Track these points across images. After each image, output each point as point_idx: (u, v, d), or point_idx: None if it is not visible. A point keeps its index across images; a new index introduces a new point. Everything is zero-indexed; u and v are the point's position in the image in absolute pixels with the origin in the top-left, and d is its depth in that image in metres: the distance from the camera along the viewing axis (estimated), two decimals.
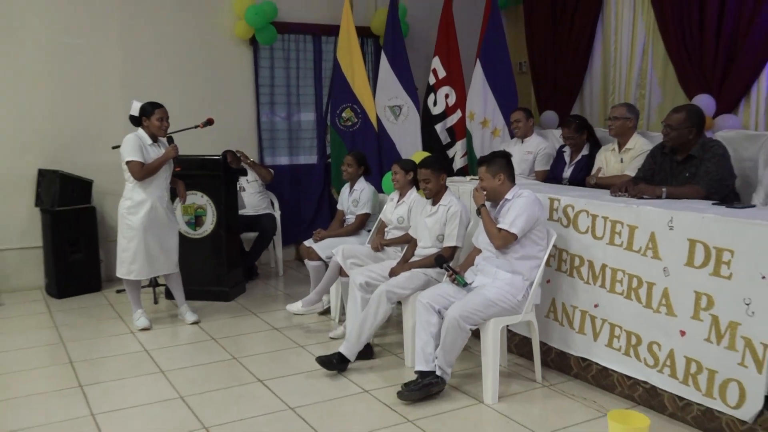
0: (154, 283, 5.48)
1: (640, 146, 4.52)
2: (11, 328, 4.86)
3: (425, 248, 4.17)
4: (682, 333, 3.21)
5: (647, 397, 3.40)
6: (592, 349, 3.69)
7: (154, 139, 4.65)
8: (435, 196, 4.14)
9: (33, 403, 3.57)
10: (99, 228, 5.90)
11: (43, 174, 5.72)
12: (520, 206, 3.52)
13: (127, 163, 4.53)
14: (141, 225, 4.56)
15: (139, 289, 4.96)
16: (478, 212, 3.69)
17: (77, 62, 5.89)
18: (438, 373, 3.50)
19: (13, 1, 5.60)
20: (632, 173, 4.33)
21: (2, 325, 4.92)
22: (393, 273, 4.13)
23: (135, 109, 4.67)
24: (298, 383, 3.78)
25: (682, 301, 3.21)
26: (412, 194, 4.56)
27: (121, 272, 4.69)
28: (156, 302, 5.42)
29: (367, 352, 4.11)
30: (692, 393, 3.17)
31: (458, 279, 3.63)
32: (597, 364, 3.66)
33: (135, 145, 4.52)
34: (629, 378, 3.49)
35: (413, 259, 4.22)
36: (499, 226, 3.54)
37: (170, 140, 4.68)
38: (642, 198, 3.63)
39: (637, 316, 3.43)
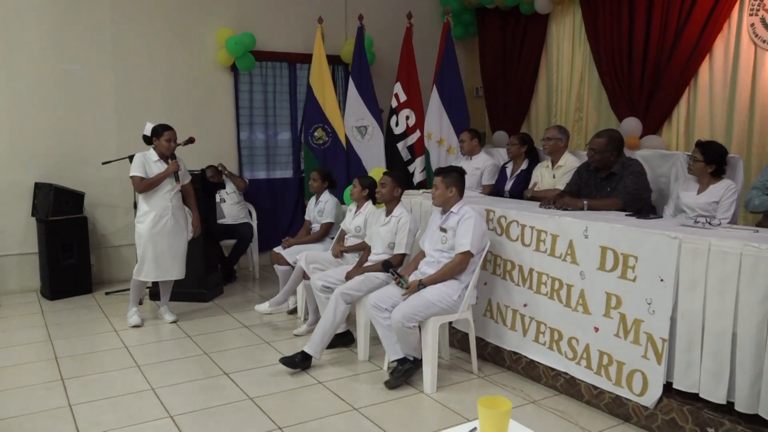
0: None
1: (570, 163, 4.62)
2: (5, 327, 4.85)
3: (378, 255, 4.23)
4: (596, 329, 3.29)
5: (567, 387, 3.48)
6: (522, 344, 3.76)
7: (162, 157, 4.70)
8: (387, 205, 4.22)
9: (17, 395, 3.58)
10: (90, 236, 5.89)
11: (39, 187, 5.71)
12: (468, 226, 3.58)
13: (130, 177, 4.64)
14: (147, 232, 4.64)
15: (143, 290, 5.02)
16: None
17: (72, 86, 5.90)
18: (409, 358, 3.60)
19: (12, 29, 5.62)
20: (563, 188, 4.42)
21: None
22: (348, 276, 4.18)
23: (148, 129, 4.76)
24: (260, 376, 3.81)
25: (595, 301, 3.30)
26: (368, 206, 4.63)
27: (134, 273, 4.74)
28: (141, 303, 5.39)
29: (346, 339, 4.27)
30: (604, 382, 3.26)
31: (402, 281, 3.69)
32: (526, 357, 3.74)
33: (139, 162, 4.64)
34: (552, 369, 3.56)
35: (367, 264, 4.27)
36: (456, 252, 3.60)
37: (173, 156, 4.73)
38: (566, 209, 3.72)
39: (559, 314, 3.51)
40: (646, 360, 3.05)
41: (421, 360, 3.62)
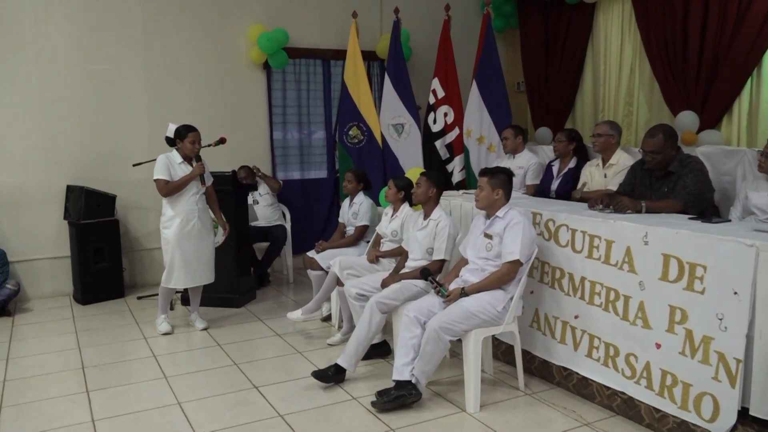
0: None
1: (623, 161, 4.28)
2: (36, 333, 4.75)
3: (416, 261, 3.97)
4: (658, 345, 2.97)
5: (625, 408, 3.16)
6: (573, 359, 3.45)
7: (186, 159, 4.53)
8: (424, 207, 3.96)
9: (40, 408, 3.43)
10: (122, 239, 5.78)
11: (71, 189, 5.62)
12: (516, 232, 3.29)
13: (155, 180, 4.44)
14: (174, 238, 4.47)
15: (172, 297, 4.87)
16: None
17: (103, 87, 5.79)
18: (413, 381, 3.29)
19: (44, 31, 5.53)
20: (615, 188, 4.09)
21: (28, 331, 4.81)
22: (384, 284, 3.93)
23: (171, 131, 4.57)
24: (291, 390, 3.59)
25: (657, 315, 2.97)
26: (405, 209, 4.37)
27: (163, 281, 4.58)
28: (172, 308, 5.25)
29: (382, 350, 4.02)
30: (668, 405, 2.93)
31: (441, 291, 3.42)
32: (577, 373, 3.43)
33: (162, 164, 4.44)
34: (608, 388, 3.25)
35: (404, 270, 4.01)
36: (503, 260, 3.31)
37: (197, 158, 4.55)
38: (624, 212, 3.39)
39: (614, 327, 3.19)
40: (717, 382, 2.71)
41: (420, 392, 3.31)
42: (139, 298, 5.62)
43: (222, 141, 5.13)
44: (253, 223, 5.99)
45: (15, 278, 5.46)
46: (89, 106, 5.75)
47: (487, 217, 3.48)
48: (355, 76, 6.23)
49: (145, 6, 5.89)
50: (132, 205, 5.93)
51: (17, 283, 5.32)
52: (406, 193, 4.35)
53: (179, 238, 4.48)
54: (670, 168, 3.68)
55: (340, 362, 3.64)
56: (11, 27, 5.43)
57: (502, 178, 3.42)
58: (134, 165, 5.40)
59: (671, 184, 3.63)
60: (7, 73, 5.45)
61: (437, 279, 3.57)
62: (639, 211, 3.40)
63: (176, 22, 6.02)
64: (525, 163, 5.18)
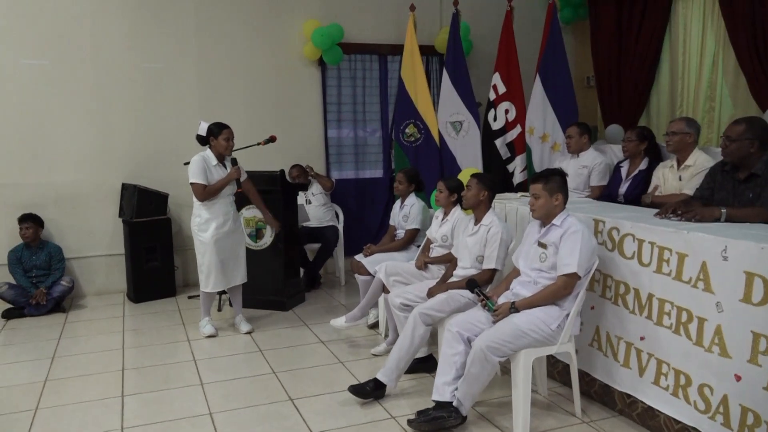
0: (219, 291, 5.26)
1: (700, 163, 3.82)
2: (85, 331, 4.75)
3: (465, 269, 3.67)
4: (738, 378, 2.56)
5: None
6: (638, 386, 3.06)
7: (220, 159, 4.40)
8: (476, 211, 3.66)
9: (73, 411, 3.36)
10: (174, 238, 5.76)
11: (125, 187, 5.64)
12: (574, 242, 2.95)
13: (191, 184, 4.33)
14: (211, 240, 4.35)
15: (213, 300, 4.78)
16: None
17: (156, 85, 5.78)
18: (455, 404, 2.99)
19: (98, 28, 5.56)
20: (691, 192, 3.65)
21: (78, 328, 4.82)
22: (430, 294, 3.65)
23: (203, 129, 4.45)
24: (328, 404, 3.37)
25: (737, 342, 2.55)
26: (456, 212, 4.07)
27: (201, 285, 4.48)
28: (220, 309, 5.18)
29: (428, 365, 3.72)
30: None
31: (489, 305, 3.11)
32: (642, 402, 3.04)
33: (199, 167, 4.31)
34: (677, 422, 2.85)
35: (452, 279, 3.72)
36: (558, 273, 2.98)
37: (234, 162, 4.42)
38: (699, 221, 2.97)
39: (686, 353, 2.79)
40: None
41: (462, 414, 3.00)
42: (190, 297, 5.57)
43: (272, 139, 5.01)
44: (304, 224, 5.84)
45: (71, 275, 5.51)
46: (142, 105, 5.75)
47: (543, 224, 3.14)
48: (412, 71, 5.97)
49: (198, 3, 5.84)
50: (184, 204, 5.85)
51: (71, 279, 5.36)
52: (457, 196, 4.05)
53: (215, 242, 4.36)
54: (755, 170, 3.20)
55: (380, 377, 3.39)
56: (68, 27, 5.48)
57: (558, 181, 3.08)
58: (185, 164, 5.28)
59: (757, 190, 3.17)
60: (64, 73, 5.51)
61: (486, 291, 3.26)
62: (718, 220, 2.98)
63: (229, 19, 5.95)
64: (590, 163, 4.77)
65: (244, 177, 4.52)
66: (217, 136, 4.35)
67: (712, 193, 3.43)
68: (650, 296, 2.97)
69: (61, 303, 5.26)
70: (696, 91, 5.54)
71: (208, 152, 4.41)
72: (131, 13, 5.64)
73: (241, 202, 4.82)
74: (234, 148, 4.47)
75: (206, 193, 4.30)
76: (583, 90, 6.90)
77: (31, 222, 5.23)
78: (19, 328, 4.82)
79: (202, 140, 4.45)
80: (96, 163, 5.65)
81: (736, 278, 2.54)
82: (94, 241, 5.72)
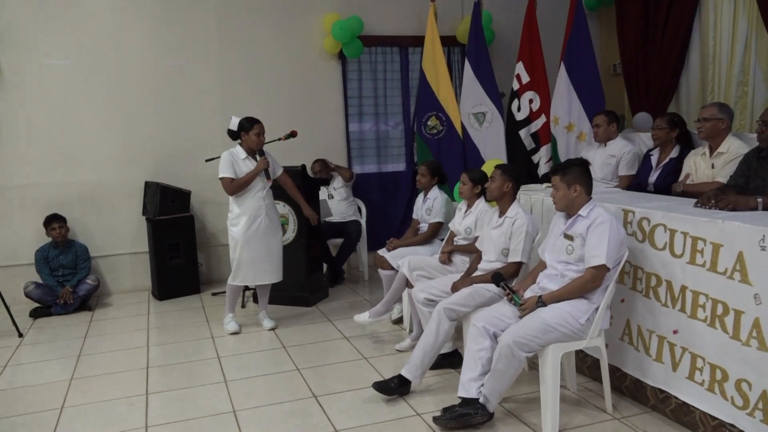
0: (243, 287, 5.25)
1: (734, 150, 3.69)
2: (110, 329, 4.78)
3: (490, 262, 3.59)
4: None
5: None
6: (671, 381, 2.96)
7: (250, 153, 4.38)
8: (500, 203, 3.58)
9: (97, 410, 3.37)
10: (198, 235, 5.76)
11: (148, 185, 5.66)
12: (602, 233, 2.85)
13: (220, 179, 4.32)
14: (242, 235, 4.34)
15: (239, 295, 4.77)
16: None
17: (178, 82, 5.79)
18: (481, 400, 2.92)
19: (119, 26, 5.58)
20: (725, 180, 3.53)
21: (104, 326, 4.85)
22: (455, 288, 3.58)
23: (234, 124, 4.43)
24: (352, 401, 3.33)
25: None
26: (480, 204, 3.99)
27: (230, 278, 4.48)
28: (243, 306, 5.18)
29: (453, 360, 3.69)
30: None
31: (515, 299, 3.03)
32: (676, 398, 2.94)
33: (227, 161, 4.31)
34: (714, 418, 2.75)
35: (477, 273, 3.65)
36: (586, 265, 2.89)
37: (261, 152, 4.39)
38: (733, 210, 2.86)
39: (722, 347, 2.69)
40: None
41: (488, 411, 2.93)
42: (214, 294, 5.58)
43: (293, 134, 4.98)
44: (327, 219, 5.80)
45: (96, 273, 5.55)
46: (163, 102, 5.76)
47: (568, 216, 3.05)
48: (433, 63, 5.88)
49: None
50: (207, 201, 5.90)
51: (97, 278, 5.40)
52: (481, 187, 3.97)
53: (247, 237, 4.34)
54: None
55: (404, 373, 3.34)
56: (90, 26, 5.51)
57: (577, 171, 2.99)
58: (207, 160, 5.29)
59: None
60: (87, 72, 5.54)
61: (512, 285, 3.19)
62: (754, 209, 2.86)
63: (249, 14, 5.92)
64: (618, 152, 4.64)
65: (279, 171, 4.50)
66: (248, 131, 4.33)
67: (747, 180, 3.31)
68: (683, 288, 2.87)
69: (87, 301, 5.31)
70: (728, 76, 5.35)
71: (237, 148, 4.40)
72: (151, 11, 5.65)
73: None
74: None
75: (234, 186, 4.28)
76: (609, 78, 6.74)
77: (62, 222, 5.28)
78: (46, 327, 4.87)
79: (233, 135, 4.44)
80: (119, 161, 5.68)
81: None
82: (119, 240, 5.75)
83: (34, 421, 3.27)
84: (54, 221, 5.26)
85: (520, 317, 2.97)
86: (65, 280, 5.26)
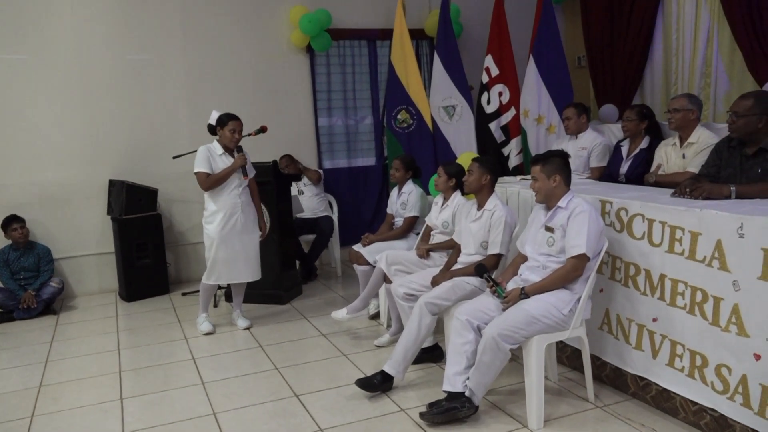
0: (217, 286, 5.15)
1: (704, 140, 3.76)
2: (78, 333, 4.63)
3: (469, 255, 3.60)
4: (757, 357, 2.51)
5: (716, 427, 2.72)
6: (652, 368, 3.02)
7: (227, 149, 4.28)
8: (478, 196, 3.57)
9: (71, 417, 3.26)
10: (165, 234, 5.63)
11: (112, 184, 5.50)
12: (581, 223, 2.89)
13: (195, 174, 4.22)
14: (217, 233, 4.24)
15: (213, 294, 4.67)
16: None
17: (142, 78, 5.63)
18: (467, 394, 2.93)
19: (80, 23, 5.39)
20: (695, 170, 3.60)
21: (70, 330, 4.70)
22: (435, 282, 3.58)
23: (213, 117, 4.34)
24: (334, 399, 3.29)
25: (756, 321, 2.51)
26: (456, 198, 3.99)
27: (204, 277, 4.37)
28: (216, 305, 5.08)
29: (434, 354, 3.70)
30: None
31: (498, 291, 3.04)
32: (657, 384, 2.99)
33: (203, 156, 4.21)
34: (694, 403, 2.81)
35: (456, 266, 3.65)
36: (567, 255, 2.92)
37: (239, 149, 4.30)
38: (706, 198, 2.92)
39: (702, 334, 2.74)
40: None
41: (474, 404, 2.94)
42: (184, 294, 5.46)
43: (263, 130, 4.89)
44: (298, 215, 5.74)
45: (60, 275, 5.37)
46: (128, 98, 5.60)
47: (548, 208, 3.07)
48: (402, 56, 5.86)
49: None
50: (175, 199, 5.77)
51: (61, 280, 5.23)
52: (457, 181, 3.97)
53: (222, 234, 4.24)
54: (763, 145, 3.15)
55: (387, 369, 3.32)
56: (49, 20, 5.31)
57: (557, 162, 3.01)
58: (174, 157, 5.20)
59: (766, 165, 3.12)
60: (46, 67, 5.34)
61: (494, 276, 3.20)
62: (727, 197, 2.93)
63: (214, 7, 5.80)
64: (589, 144, 4.70)
65: (252, 173, 4.40)
66: (223, 126, 4.24)
67: (719, 170, 3.37)
68: (662, 277, 2.92)
69: (51, 305, 5.14)
70: (691, 68, 5.48)
71: (214, 143, 4.31)
72: (113, 3, 5.47)
73: None
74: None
75: (209, 182, 4.19)
76: (574, 70, 6.82)
77: (22, 222, 5.09)
78: (9, 333, 4.69)
79: (212, 129, 4.34)
80: (81, 159, 5.50)
81: (754, 256, 2.49)
82: (83, 240, 5.58)
83: (3, 430, 3.15)
84: (14, 222, 5.07)
85: (504, 309, 2.98)
86: (27, 284, 5.08)
